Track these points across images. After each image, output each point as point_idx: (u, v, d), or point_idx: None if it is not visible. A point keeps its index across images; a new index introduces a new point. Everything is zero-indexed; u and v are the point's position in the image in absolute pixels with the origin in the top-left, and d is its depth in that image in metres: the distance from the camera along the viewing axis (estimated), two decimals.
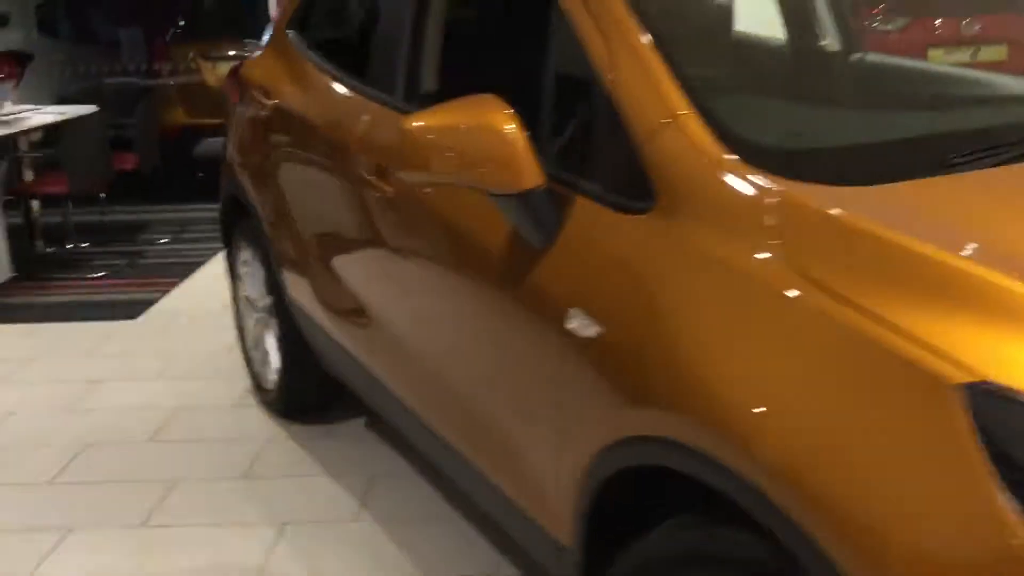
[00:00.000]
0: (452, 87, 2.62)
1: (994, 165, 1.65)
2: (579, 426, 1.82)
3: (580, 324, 1.78)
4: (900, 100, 2.10)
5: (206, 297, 5.31)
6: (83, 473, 3.42)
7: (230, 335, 4.60)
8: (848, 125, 1.91)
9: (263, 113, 3.32)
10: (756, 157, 1.64)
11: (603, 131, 1.84)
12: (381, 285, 2.58)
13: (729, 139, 1.67)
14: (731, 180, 1.61)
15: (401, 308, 2.48)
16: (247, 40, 7.48)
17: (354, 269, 2.73)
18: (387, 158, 2.51)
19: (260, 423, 3.72)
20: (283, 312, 3.43)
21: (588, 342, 1.76)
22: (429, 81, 2.51)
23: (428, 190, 2.29)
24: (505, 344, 2.03)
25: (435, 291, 2.30)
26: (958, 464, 1.22)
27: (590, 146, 1.87)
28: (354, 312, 2.78)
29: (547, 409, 1.91)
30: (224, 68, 7.59)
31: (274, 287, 3.45)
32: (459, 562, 2.80)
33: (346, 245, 2.76)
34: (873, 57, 2.60)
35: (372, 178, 2.53)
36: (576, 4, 1.95)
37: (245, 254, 3.71)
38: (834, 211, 1.49)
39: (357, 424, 3.67)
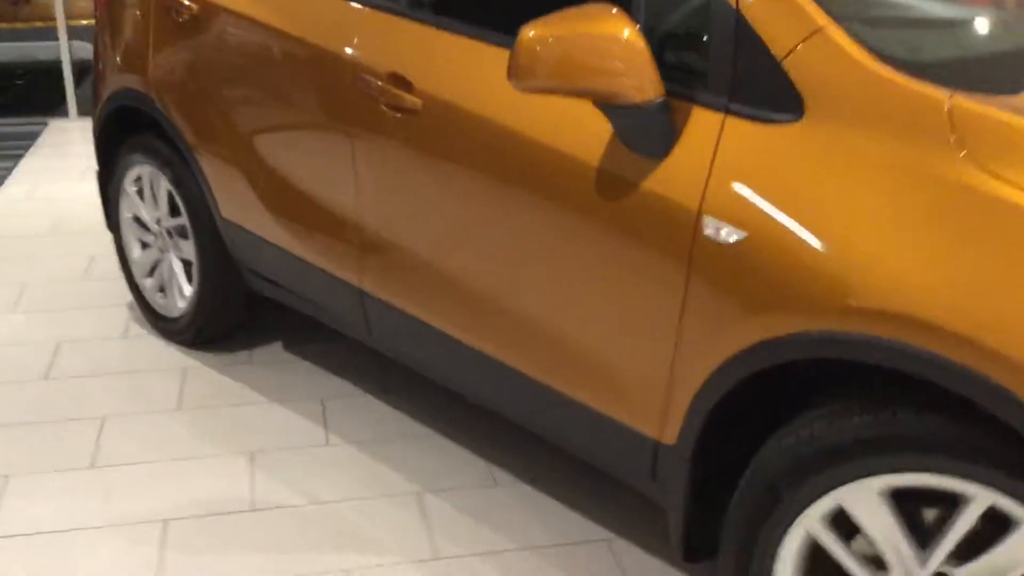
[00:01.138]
0: None
1: None
2: (711, 329, 1.90)
3: (717, 230, 1.86)
4: (998, 15, 2.31)
5: (24, 219, 4.84)
6: None
7: (78, 261, 4.29)
8: (959, 40, 2.09)
9: (185, 17, 3.06)
10: (902, 66, 1.77)
11: (726, 44, 1.90)
12: (405, 202, 2.50)
13: (871, 49, 1.79)
14: (892, 86, 1.73)
15: (445, 227, 2.41)
16: None
17: (355, 186, 2.62)
18: (409, 68, 2.42)
19: (166, 354, 3.49)
20: (205, 233, 3.23)
21: (729, 248, 1.84)
22: None
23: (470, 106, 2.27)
24: (607, 255, 2.06)
25: (499, 206, 2.26)
26: None
27: (710, 58, 1.92)
28: (352, 231, 2.67)
29: (663, 316, 1.97)
30: None
31: (193, 206, 3.23)
32: (453, 473, 2.82)
33: (340, 161, 2.63)
34: None
35: (390, 88, 2.44)
36: None
37: (139, 171, 3.43)
38: (1007, 113, 1.65)
39: (275, 350, 3.53)
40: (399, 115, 2.43)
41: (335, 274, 2.79)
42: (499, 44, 2.30)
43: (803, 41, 1.82)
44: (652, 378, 2.05)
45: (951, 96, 1.69)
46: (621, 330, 2.09)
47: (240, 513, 2.65)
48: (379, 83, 2.47)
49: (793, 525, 1.83)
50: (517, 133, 2.20)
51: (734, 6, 1.89)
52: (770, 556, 1.87)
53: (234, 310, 3.42)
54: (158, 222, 3.46)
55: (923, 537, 1.74)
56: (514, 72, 1.94)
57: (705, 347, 1.92)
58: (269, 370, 3.39)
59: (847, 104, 1.77)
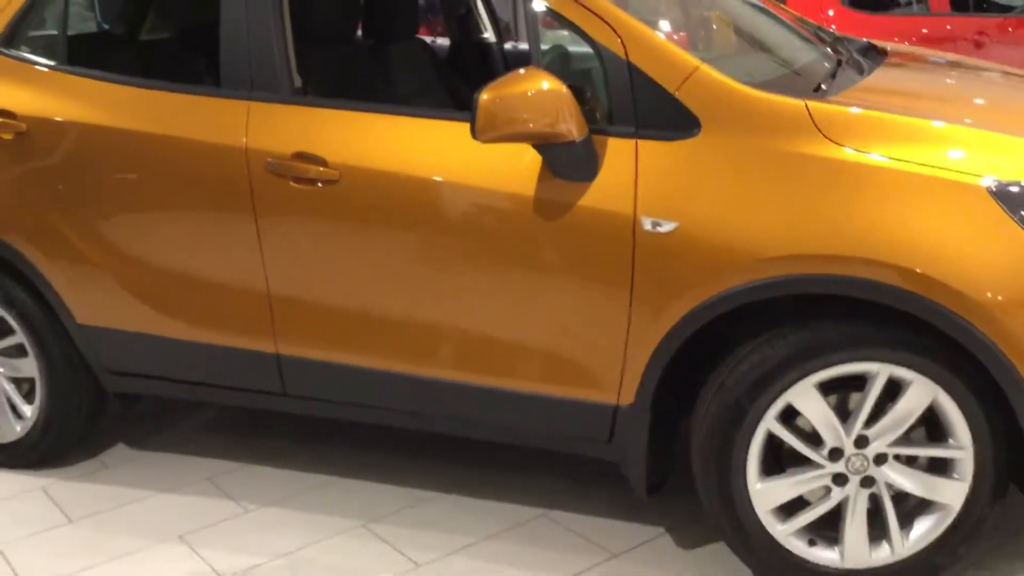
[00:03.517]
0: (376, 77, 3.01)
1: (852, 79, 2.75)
2: (660, 302, 2.47)
3: (654, 224, 2.45)
4: (784, 51, 3.09)
5: None
6: None
7: None
8: (771, 66, 2.85)
9: (8, 136, 3.08)
10: (755, 86, 2.48)
11: (624, 88, 2.49)
12: (331, 262, 2.79)
13: (731, 77, 2.49)
14: (761, 100, 2.44)
15: (383, 275, 2.72)
16: None
17: (262, 261, 2.85)
18: (316, 147, 2.75)
19: (10, 480, 3.37)
20: (52, 345, 3.23)
21: (667, 235, 2.44)
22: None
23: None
24: (556, 266, 2.55)
25: (440, 246, 2.65)
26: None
27: (613, 100, 2.51)
28: (261, 302, 2.89)
29: (616, 302, 2.51)
30: None
31: (33, 322, 3.22)
32: (380, 503, 3.12)
33: (242, 241, 2.84)
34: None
35: (302, 165, 2.75)
36: (572, 7, 2.54)
37: None
38: (845, 106, 2.44)
39: (121, 451, 3.54)
40: (316, 186, 2.75)
41: (243, 347, 3.00)
42: (405, 114, 2.76)
43: (688, 78, 2.47)
44: (609, 355, 2.58)
45: (805, 101, 2.43)
46: (577, 323, 2.59)
47: None
48: (288, 163, 2.77)
49: (757, 427, 2.46)
50: (448, 181, 2.64)
51: (625, 58, 2.50)
52: (743, 455, 2.48)
53: (88, 418, 3.41)
54: None
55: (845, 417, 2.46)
56: (477, 128, 2.41)
57: (656, 317, 2.50)
58: (133, 468, 3.42)
59: (733, 117, 2.44)
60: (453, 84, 3.94)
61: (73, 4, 3.40)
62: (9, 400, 3.38)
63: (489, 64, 4.12)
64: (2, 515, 3.17)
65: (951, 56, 3.95)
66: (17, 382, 3.38)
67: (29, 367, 3.32)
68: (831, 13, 6.13)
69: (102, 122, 3.01)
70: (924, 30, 6.36)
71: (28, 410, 3.36)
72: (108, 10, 5.22)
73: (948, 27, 6.39)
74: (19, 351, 3.33)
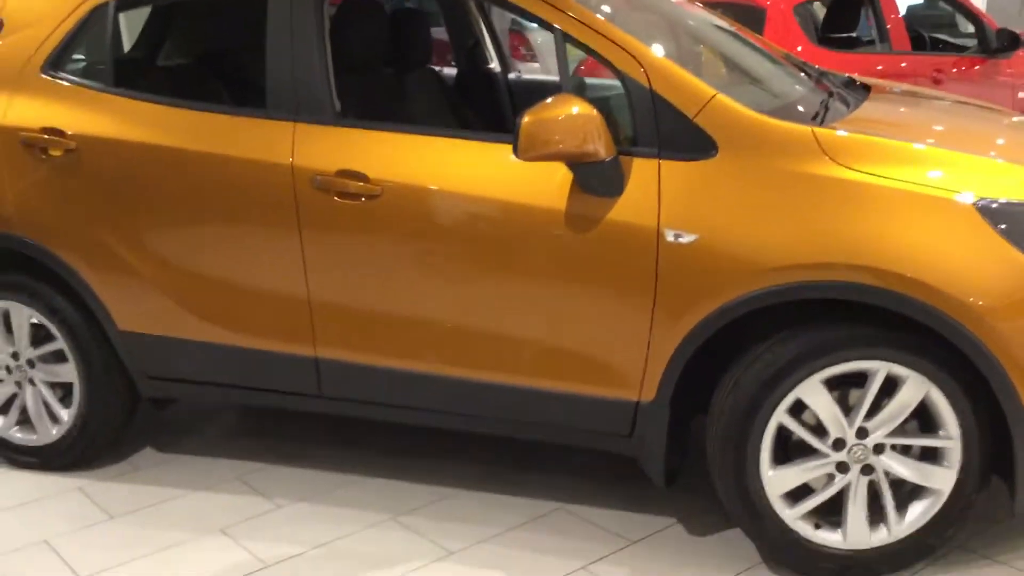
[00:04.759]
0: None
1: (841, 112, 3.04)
2: (680, 307, 2.73)
3: (676, 236, 2.71)
4: (778, 83, 3.37)
5: None
6: None
7: None
8: (770, 97, 3.12)
9: (58, 154, 3.27)
10: (766, 113, 2.76)
11: (648, 113, 2.76)
12: (371, 270, 3.01)
13: (745, 105, 2.77)
14: (773, 126, 2.72)
15: (422, 282, 2.96)
16: None
17: (304, 270, 3.06)
18: (359, 164, 2.98)
19: (46, 482, 3.53)
20: (91, 351, 3.42)
21: (687, 246, 2.70)
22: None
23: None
24: (586, 274, 2.80)
25: (476, 256, 2.88)
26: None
27: (637, 124, 2.78)
28: (302, 307, 3.11)
29: (640, 307, 2.76)
30: None
31: (74, 329, 3.40)
32: (407, 496, 3.34)
33: (285, 251, 3.05)
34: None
35: (346, 181, 2.97)
36: (601, 41, 2.82)
37: None
38: (847, 132, 2.73)
39: (150, 454, 3.71)
40: (359, 201, 2.97)
41: (282, 351, 3.20)
42: (441, 135, 3.02)
43: (705, 104, 2.75)
44: (633, 355, 2.82)
45: (811, 127, 2.72)
46: (604, 325, 2.84)
47: (258, 572, 2.96)
48: (332, 179, 2.99)
49: (770, 420, 2.72)
50: (485, 196, 2.88)
51: (648, 87, 2.77)
52: (757, 446, 2.74)
53: (123, 420, 3.58)
54: (14, 356, 3.53)
55: (847, 411, 2.73)
56: (519, 148, 2.66)
57: (676, 321, 2.75)
58: (163, 470, 3.59)
59: (748, 141, 2.72)
60: (460, 109, 4.20)
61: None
62: (46, 404, 3.55)
63: (494, 92, 4.38)
64: (44, 513, 3.33)
65: (917, 87, 4.29)
66: (53, 386, 3.55)
67: (67, 372, 3.49)
68: (799, 49, 6.48)
69: (149, 140, 3.21)
70: (879, 67, 6.75)
71: (65, 414, 3.53)
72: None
73: (903, 65, 6.80)
74: (57, 357, 3.50)
